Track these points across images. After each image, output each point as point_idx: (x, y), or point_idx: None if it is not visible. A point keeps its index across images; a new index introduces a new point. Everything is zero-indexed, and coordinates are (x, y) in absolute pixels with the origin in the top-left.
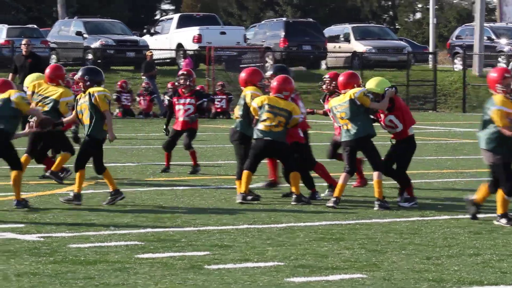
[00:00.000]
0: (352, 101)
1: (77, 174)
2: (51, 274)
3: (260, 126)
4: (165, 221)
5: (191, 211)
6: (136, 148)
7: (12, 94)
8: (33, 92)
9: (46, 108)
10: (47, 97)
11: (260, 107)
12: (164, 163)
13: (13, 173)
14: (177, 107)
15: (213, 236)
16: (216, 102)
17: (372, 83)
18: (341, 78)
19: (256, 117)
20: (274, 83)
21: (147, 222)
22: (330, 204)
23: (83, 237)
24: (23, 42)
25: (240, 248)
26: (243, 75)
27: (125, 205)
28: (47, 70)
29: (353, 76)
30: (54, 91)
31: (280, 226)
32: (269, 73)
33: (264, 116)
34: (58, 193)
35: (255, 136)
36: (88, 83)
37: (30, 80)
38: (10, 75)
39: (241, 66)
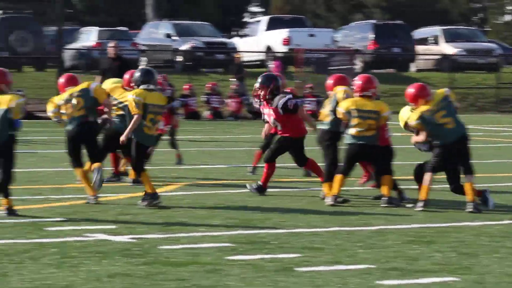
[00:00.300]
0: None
1: (142, 177)
2: (142, 276)
3: (352, 131)
4: (255, 223)
5: (282, 213)
6: (225, 150)
7: (90, 84)
8: (108, 95)
9: (121, 112)
10: (121, 102)
11: (348, 112)
12: (252, 164)
13: (89, 165)
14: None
15: (303, 238)
16: (305, 105)
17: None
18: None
19: (345, 121)
20: (358, 82)
21: (238, 224)
22: (418, 208)
23: (175, 238)
24: (111, 44)
25: (330, 251)
26: (330, 81)
27: (216, 207)
28: (127, 76)
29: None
30: None
31: (370, 228)
32: (257, 84)
33: (354, 121)
34: None
35: (348, 141)
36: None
37: (110, 83)
38: (98, 77)
39: (329, 68)
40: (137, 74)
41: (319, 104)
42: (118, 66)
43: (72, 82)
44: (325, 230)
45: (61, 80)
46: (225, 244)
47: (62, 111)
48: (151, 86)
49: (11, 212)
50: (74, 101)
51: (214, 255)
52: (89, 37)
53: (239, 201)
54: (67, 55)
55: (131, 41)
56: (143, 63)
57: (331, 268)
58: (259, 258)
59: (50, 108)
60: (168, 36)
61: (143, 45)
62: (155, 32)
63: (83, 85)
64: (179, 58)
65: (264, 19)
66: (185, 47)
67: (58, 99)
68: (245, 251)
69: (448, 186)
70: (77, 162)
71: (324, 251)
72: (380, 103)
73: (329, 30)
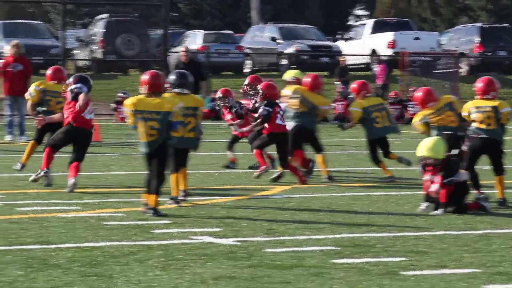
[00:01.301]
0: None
1: (171, 178)
2: (247, 278)
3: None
4: (360, 226)
5: (387, 216)
6: (330, 154)
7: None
8: None
9: None
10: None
11: (469, 114)
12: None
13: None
14: None
15: (408, 242)
16: (409, 108)
17: (428, 151)
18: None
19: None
20: (479, 85)
21: (342, 227)
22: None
23: (279, 241)
24: (182, 49)
25: (436, 254)
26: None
27: (320, 210)
28: None
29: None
30: None
31: (476, 232)
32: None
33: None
34: (254, 197)
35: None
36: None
37: None
38: None
39: (435, 72)
40: (172, 77)
41: None
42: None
43: None
44: (430, 234)
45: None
46: (330, 248)
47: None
48: (185, 91)
49: (156, 212)
50: None
51: (319, 258)
52: (194, 40)
53: (344, 205)
54: (172, 58)
55: (236, 44)
56: (248, 66)
57: (437, 272)
58: (364, 261)
59: None
60: (273, 39)
61: (248, 48)
62: (260, 36)
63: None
64: (284, 61)
65: (369, 22)
66: (290, 50)
67: None
68: (350, 255)
69: None
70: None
71: (429, 255)
72: (497, 101)
73: (435, 34)
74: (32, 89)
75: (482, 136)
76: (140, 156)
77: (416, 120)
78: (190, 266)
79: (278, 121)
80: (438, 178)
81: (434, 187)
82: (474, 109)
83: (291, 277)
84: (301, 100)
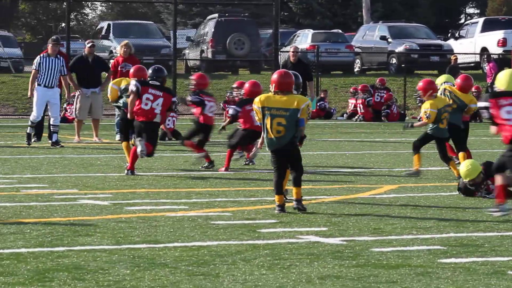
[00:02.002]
0: None
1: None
2: (353, 278)
3: None
4: (468, 226)
5: (494, 216)
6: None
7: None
8: None
9: None
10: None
11: None
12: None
13: None
14: None
15: None
16: None
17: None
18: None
19: None
20: None
21: (449, 226)
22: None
23: (386, 241)
24: (291, 49)
25: None
26: None
27: (427, 209)
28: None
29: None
30: None
31: None
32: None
33: None
34: (361, 197)
35: None
36: None
37: None
38: None
39: None
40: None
41: None
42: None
43: None
44: None
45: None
46: (437, 247)
47: None
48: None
49: (301, 205)
50: None
51: (425, 258)
52: (304, 39)
53: (451, 204)
54: (283, 58)
55: (346, 43)
56: (358, 65)
57: None
58: (471, 261)
59: None
60: (384, 38)
61: (358, 47)
62: (371, 35)
63: None
64: (394, 60)
65: (480, 21)
66: (399, 49)
67: None
68: (456, 254)
69: None
70: None
71: None
72: None
73: None
74: (110, 86)
75: None
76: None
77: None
78: (296, 266)
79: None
80: None
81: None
82: None
83: (397, 277)
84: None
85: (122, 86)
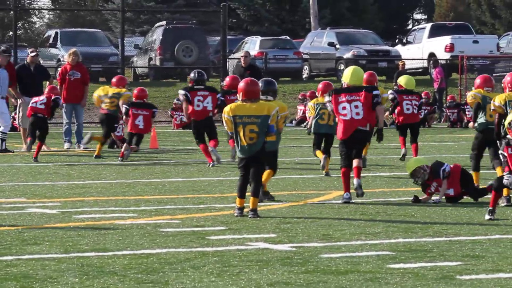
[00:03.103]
0: None
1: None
2: (302, 284)
3: None
4: (416, 231)
5: (443, 221)
6: (387, 158)
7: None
8: None
9: None
10: None
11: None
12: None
13: None
14: None
15: (465, 246)
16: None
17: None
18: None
19: None
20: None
21: (398, 232)
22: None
23: (335, 247)
24: (243, 54)
25: (492, 259)
26: None
27: (376, 215)
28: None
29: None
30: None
31: None
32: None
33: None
34: (310, 203)
35: None
36: None
37: None
38: None
39: (494, 75)
40: (260, 84)
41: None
42: (249, 75)
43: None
44: (486, 238)
45: None
46: (385, 252)
47: None
48: (270, 98)
49: (256, 213)
50: None
51: (374, 263)
52: (252, 46)
53: (400, 209)
54: (231, 65)
55: (294, 50)
56: (306, 71)
57: (493, 276)
58: (419, 266)
59: None
60: (332, 44)
61: (306, 53)
62: (319, 41)
63: None
64: (342, 67)
65: (428, 26)
66: (347, 55)
67: None
68: (405, 259)
69: None
70: None
71: (486, 259)
72: None
73: (494, 37)
74: (95, 96)
75: None
76: (196, 163)
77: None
78: (245, 272)
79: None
80: None
81: None
82: None
83: (346, 283)
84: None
85: (102, 93)
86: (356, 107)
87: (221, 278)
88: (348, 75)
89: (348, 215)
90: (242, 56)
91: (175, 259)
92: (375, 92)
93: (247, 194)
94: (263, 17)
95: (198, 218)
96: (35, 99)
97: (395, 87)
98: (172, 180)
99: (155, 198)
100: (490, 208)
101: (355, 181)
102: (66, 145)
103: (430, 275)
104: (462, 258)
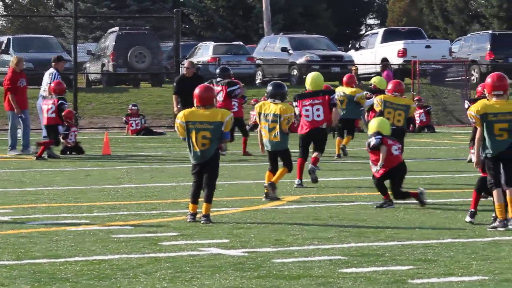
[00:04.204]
0: None
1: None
2: None
3: None
4: (368, 235)
5: (395, 225)
6: (346, 163)
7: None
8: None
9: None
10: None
11: None
12: None
13: None
14: None
15: (416, 250)
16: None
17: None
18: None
19: None
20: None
21: (350, 236)
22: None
23: (287, 251)
24: (186, 65)
25: (444, 262)
26: None
27: (328, 220)
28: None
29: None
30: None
31: (484, 240)
32: None
33: None
34: (263, 208)
35: None
36: None
37: None
38: (174, 96)
39: (446, 80)
40: (269, 87)
41: (429, 114)
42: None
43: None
44: (438, 242)
45: None
46: (338, 257)
47: None
48: (277, 101)
49: (208, 219)
50: None
51: (327, 268)
52: (205, 52)
53: (353, 214)
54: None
55: (247, 55)
56: (259, 77)
57: (444, 280)
58: (372, 270)
59: None
60: (284, 50)
61: (259, 59)
62: (272, 46)
63: None
64: (295, 72)
65: (380, 31)
66: (300, 60)
67: None
68: (357, 264)
69: None
70: None
71: (438, 263)
72: None
73: (446, 42)
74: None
75: None
76: (149, 169)
77: None
78: (198, 278)
79: None
80: None
81: None
82: None
83: (298, 287)
84: None
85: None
86: (318, 109)
87: (173, 284)
88: (309, 82)
89: (301, 220)
90: (185, 67)
91: (128, 265)
92: (332, 96)
93: (200, 200)
94: (216, 22)
95: (151, 224)
96: None
97: (369, 87)
98: (125, 186)
99: (107, 204)
100: (472, 210)
101: (309, 166)
102: (14, 152)
103: (382, 279)
104: (414, 262)
